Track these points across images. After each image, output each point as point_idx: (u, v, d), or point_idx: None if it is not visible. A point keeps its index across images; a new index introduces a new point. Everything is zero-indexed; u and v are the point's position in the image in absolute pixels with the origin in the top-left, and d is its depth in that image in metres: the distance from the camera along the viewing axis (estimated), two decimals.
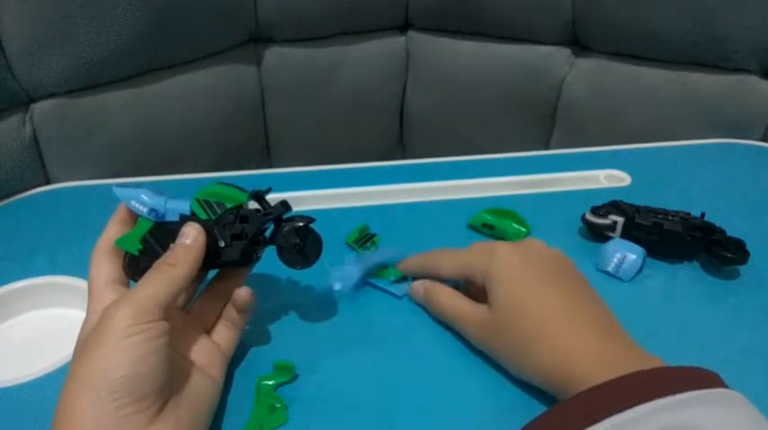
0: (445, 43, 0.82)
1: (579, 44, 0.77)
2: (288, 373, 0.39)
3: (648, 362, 0.31)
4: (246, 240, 0.37)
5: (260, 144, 0.83)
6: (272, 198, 0.40)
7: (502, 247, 0.39)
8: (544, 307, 0.36)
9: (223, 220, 0.37)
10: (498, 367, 0.39)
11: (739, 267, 0.47)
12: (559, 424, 0.29)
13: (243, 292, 0.38)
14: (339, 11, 0.76)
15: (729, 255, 0.46)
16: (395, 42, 0.84)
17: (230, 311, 0.39)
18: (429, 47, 0.83)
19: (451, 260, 0.43)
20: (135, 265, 0.38)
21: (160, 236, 0.37)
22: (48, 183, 0.64)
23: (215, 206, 0.37)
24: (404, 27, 0.84)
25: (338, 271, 0.45)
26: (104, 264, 0.37)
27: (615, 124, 0.77)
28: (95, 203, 0.60)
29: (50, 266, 0.49)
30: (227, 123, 0.76)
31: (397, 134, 0.92)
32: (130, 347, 0.30)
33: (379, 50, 0.83)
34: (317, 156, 0.76)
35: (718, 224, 0.49)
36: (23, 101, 0.60)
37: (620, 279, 0.47)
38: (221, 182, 0.39)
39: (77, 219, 0.57)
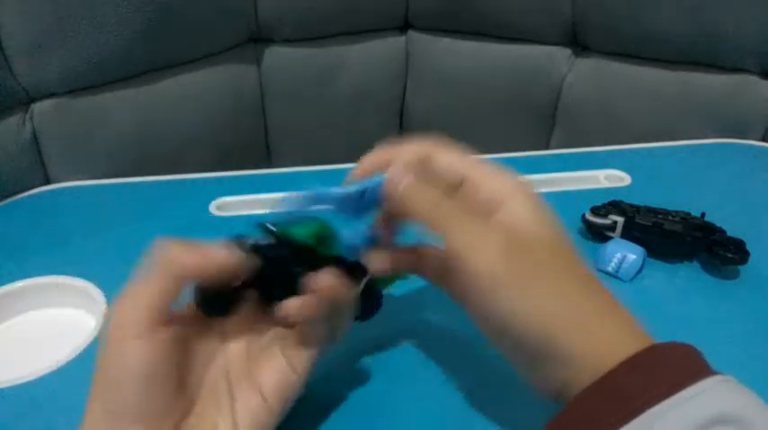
0: (445, 43, 0.82)
1: (579, 44, 0.77)
2: None
3: (639, 335, 0.30)
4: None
5: (260, 144, 0.83)
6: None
7: (526, 185, 0.34)
8: (551, 246, 0.33)
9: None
10: (502, 369, 0.34)
11: (739, 267, 0.47)
12: (591, 423, 0.26)
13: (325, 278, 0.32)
14: (339, 11, 0.76)
15: (729, 255, 0.46)
16: (395, 42, 0.84)
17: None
18: (429, 47, 0.84)
19: (452, 156, 0.35)
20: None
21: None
22: (48, 183, 0.64)
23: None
24: (404, 27, 0.84)
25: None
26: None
27: (615, 124, 0.77)
28: (95, 203, 0.60)
29: (50, 266, 0.49)
30: (228, 123, 0.76)
31: (397, 134, 0.92)
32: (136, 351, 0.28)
33: (380, 51, 0.83)
34: (317, 156, 0.76)
35: (718, 224, 0.49)
36: (23, 101, 0.60)
37: (620, 279, 0.47)
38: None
39: (77, 219, 0.57)
